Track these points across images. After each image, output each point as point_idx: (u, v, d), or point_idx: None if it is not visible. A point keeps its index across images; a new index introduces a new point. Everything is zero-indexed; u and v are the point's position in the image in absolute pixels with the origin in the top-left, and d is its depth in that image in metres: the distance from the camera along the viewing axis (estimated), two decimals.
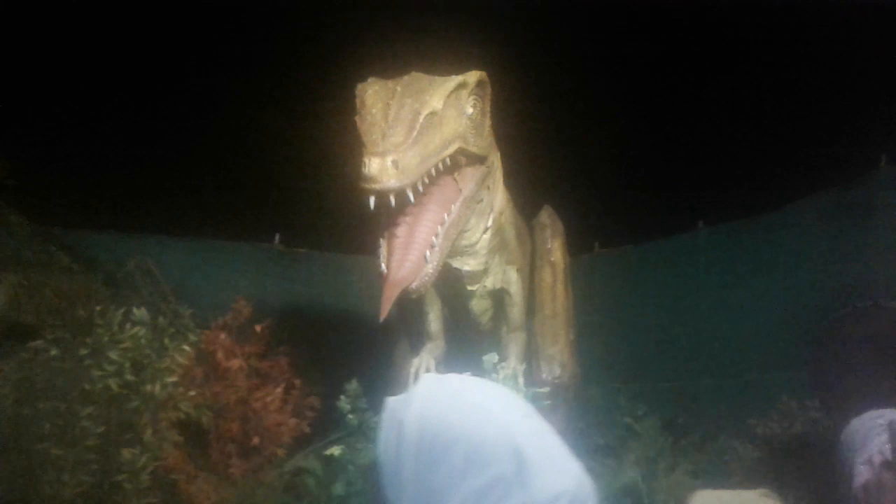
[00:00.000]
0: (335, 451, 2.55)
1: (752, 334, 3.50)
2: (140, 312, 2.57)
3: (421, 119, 2.60)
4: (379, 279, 2.59)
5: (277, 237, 4.22)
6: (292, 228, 4.25)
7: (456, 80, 2.74)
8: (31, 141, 3.70)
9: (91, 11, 3.88)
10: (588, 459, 2.84)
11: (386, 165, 2.48)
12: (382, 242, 2.64)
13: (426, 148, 2.62)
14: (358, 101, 2.64)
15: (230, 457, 2.76)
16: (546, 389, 2.98)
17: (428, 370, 3.00)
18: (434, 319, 3.12)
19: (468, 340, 3.23)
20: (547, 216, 3.47)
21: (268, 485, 2.62)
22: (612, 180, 4.09)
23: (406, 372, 3.01)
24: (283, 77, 4.27)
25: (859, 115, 3.44)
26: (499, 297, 3.09)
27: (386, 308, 2.55)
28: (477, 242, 2.87)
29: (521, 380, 2.76)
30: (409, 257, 2.64)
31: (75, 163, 3.88)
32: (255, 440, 2.77)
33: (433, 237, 2.67)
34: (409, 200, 2.56)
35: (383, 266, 2.58)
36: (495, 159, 2.97)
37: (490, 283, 3.03)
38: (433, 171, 2.63)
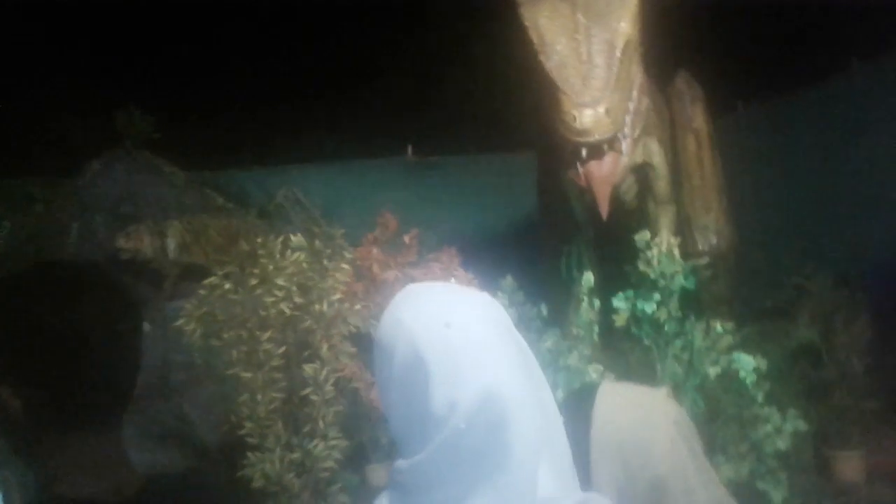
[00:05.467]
0: None
1: None
2: (297, 239, 2.68)
3: (618, 53, 2.48)
4: (576, 178, 2.60)
5: (410, 148, 4.27)
6: (422, 138, 4.28)
7: None
8: (166, 93, 3.87)
9: None
10: (757, 324, 2.78)
11: (599, 116, 2.42)
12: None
13: (627, 82, 2.54)
14: (533, 33, 2.53)
15: None
16: (705, 260, 2.90)
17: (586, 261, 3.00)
18: (581, 210, 3.07)
19: (615, 222, 3.17)
20: (683, 82, 3.28)
21: None
22: (746, 32, 3.79)
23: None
24: None
25: None
26: (643, 173, 2.99)
27: (605, 206, 2.61)
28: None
29: (676, 253, 2.69)
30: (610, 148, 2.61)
31: (211, 107, 4.03)
32: None
33: (623, 128, 2.62)
34: (620, 142, 2.54)
35: (579, 166, 2.56)
36: None
37: (631, 159, 2.93)
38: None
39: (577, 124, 2.39)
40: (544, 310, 2.69)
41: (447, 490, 0.97)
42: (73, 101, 3.80)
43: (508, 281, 2.73)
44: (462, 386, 0.97)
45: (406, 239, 3.22)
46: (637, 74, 2.76)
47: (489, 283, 2.84)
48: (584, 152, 2.46)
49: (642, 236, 2.57)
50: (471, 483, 0.96)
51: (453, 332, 1.00)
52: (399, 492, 1.02)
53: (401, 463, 1.01)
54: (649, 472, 1.27)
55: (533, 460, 0.97)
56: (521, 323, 2.66)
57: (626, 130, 2.65)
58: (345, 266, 2.69)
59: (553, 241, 3.25)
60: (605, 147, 2.49)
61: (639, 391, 1.67)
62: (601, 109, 2.41)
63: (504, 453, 0.95)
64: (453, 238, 3.49)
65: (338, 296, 2.65)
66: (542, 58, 2.49)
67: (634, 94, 2.72)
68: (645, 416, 1.35)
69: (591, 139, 2.42)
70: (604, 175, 2.56)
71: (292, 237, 2.67)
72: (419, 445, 0.98)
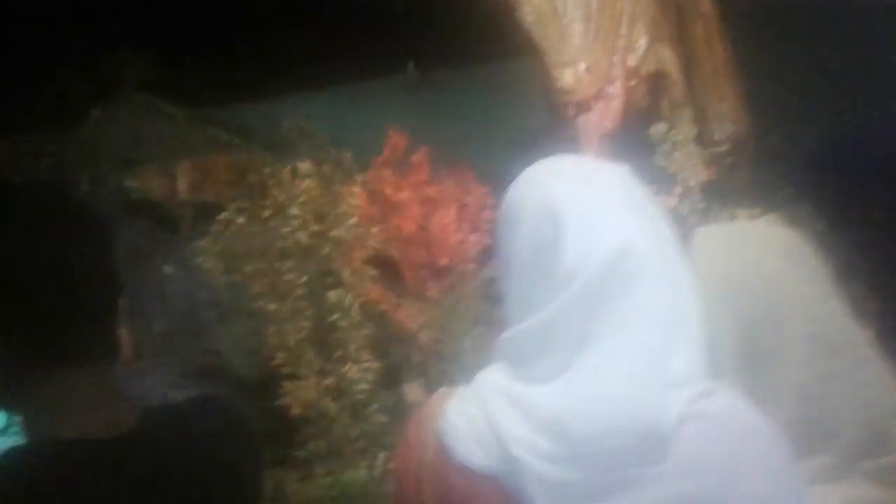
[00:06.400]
0: None
1: None
2: (305, 166, 2.65)
3: (594, 4, 2.44)
4: (563, 125, 2.54)
5: (410, 64, 4.17)
6: (423, 52, 4.17)
7: None
8: (159, 31, 3.78)
9: None
10: (781, 208, 2.74)
11: (580, 75, 2.37)
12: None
13: (609, 30, 2.45)
14: None
15: (425, 280, 2.91)
16: (723, 148, 2.84)
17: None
18: None
19: (630, 125, 3.11)
20: None
21: (466, 298, 2.74)
22: None
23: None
24: None
25: None
26: (656, 81, 2.90)
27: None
28: None
29: (693, 144, 2.64)
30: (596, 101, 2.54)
31: (205, 43, 3.93)
32: (444, 260, 2.89)
33: (611, 69, 2.56)
34: (607, 89, 2.49)
35: (569, 112, 2.50)
36: None
37: (644, 69, 2.84)
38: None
39: (559, 84, 2.36)
40: None
41: (566, 349, 0.93)
42: (67, 50, 3.72)
43: None
44: (599, 237, 0.95)
45: (415, 158, 3.19)
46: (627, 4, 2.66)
47: (505, 194, 2.81)
48: (570, 110, 2.42)
49: (658, 129, 2.52)
50: (596, 341, 0.92)
51: (592, 190, 0.99)
52: (506, 363, 0.99)
53: (513, 331, 0.99)
54: (761, 311, 1.15)
55: (664, 326, 0.93)
56: None
57: (616, 71, 2.57)
58: (356, 189, 2.67)
59: (565, 146, 3.19)
60: (592, 102, 2.45)
61: (737, 227, 1.57)
62: (581, 67, 2.38)
63: (637, 309, 0.93)
64: (465, 152, 3.45)
65: (354, 220, 2.64)
66: (518, 14, 2.43)
67: (624, 30, 2.63)
68: (744, 253, 1.24)
69: (574, 98, 2.39)
70: (591, 128, 2.52)
71: (300, 165, 2.64)
72: (540, 307, 0.96)
